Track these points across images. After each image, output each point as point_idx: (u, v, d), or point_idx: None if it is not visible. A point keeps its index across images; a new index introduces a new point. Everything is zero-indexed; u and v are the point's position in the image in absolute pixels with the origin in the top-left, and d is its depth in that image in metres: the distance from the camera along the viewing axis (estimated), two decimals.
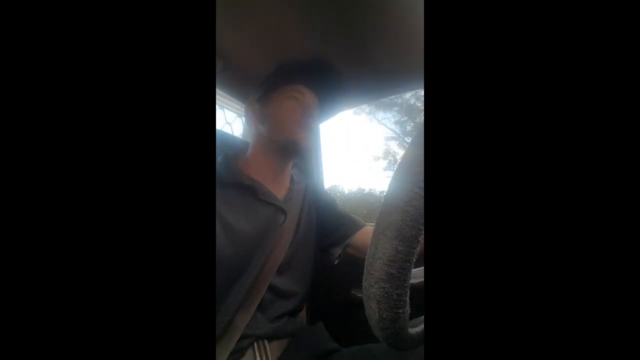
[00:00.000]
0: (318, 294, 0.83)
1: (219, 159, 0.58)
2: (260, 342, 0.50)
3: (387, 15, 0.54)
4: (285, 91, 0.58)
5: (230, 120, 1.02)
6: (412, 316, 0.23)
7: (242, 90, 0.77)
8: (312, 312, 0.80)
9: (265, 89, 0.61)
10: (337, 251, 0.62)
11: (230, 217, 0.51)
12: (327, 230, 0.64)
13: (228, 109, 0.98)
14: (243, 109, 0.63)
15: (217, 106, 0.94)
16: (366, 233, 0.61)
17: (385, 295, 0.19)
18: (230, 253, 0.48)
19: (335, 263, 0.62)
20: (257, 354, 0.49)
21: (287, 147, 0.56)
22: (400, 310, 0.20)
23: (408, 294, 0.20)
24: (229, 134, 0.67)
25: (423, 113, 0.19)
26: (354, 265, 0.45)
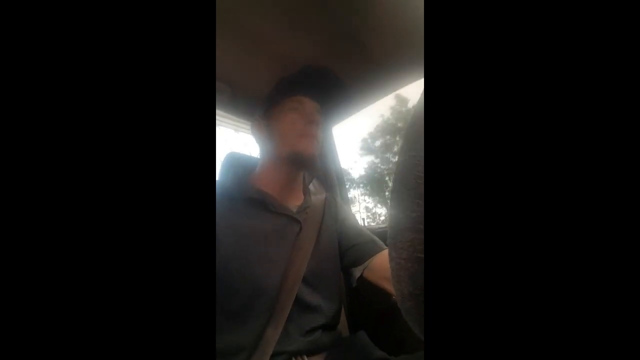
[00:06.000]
0: (357, 303, 0.79)
1: (229, 177, 0.60)
2: (299, 357, 0.48)
3: (381, 12, 0.52)
4: (285, 104, 0.59)
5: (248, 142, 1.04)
6: None
7: (250, 110, 0.79)
8: (353, 322, 0.76)
9: (268, 104, 0.62)
10: (356, 273, 0.58)
11: (244, 229, 0.52)
12: (345, 246, 0.62)
13: (244, 132, 1.01)
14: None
15: (232, 129, 0.97)
16: (386, 257, 0.57)
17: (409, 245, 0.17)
18: (247, 261, 0.49)
19: (354, 286, 0.59)
20: None
21: (293, 158, 0.57)
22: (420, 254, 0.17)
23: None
24: (241, 154, 0.67)
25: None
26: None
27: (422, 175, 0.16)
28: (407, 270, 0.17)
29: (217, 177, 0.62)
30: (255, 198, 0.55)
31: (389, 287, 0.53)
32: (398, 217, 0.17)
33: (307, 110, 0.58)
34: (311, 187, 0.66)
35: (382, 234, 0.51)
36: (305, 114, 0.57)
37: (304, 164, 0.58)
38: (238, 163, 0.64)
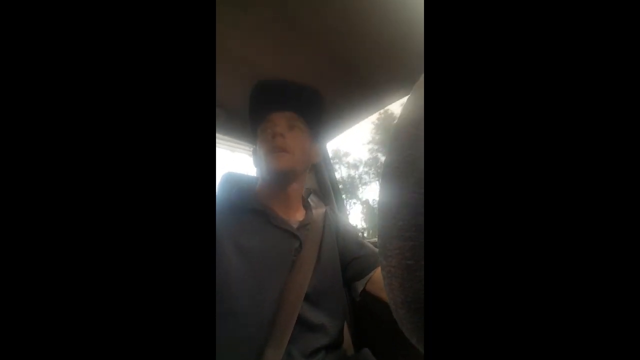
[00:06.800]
0: (360, 318, 0.77)
1: (232, 192, 0.60)
2: None
3: (373, 35, 0.54)
4: (260, 127, 0.60)
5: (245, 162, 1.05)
6: None
7: (245, 131, 0.79)
8: (357, 339, 0.74)
9: (253, 130, 0.64)
10: (359, 287, 0.58)
11: (244, 239, 0.52)
12: (346, 260, 0.61)
13: (240, 152, 1.02)
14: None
15: (228, 150, 0.98)
16: None
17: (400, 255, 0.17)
18: (245, 273, 0.48)
19: (358, 300, 0.59)
20: None
21: (271, 177, 0.57)
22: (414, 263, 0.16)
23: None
24: (239, 173, 0.69)
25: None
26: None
27: (407, 185, 0.16)
28: (397, 278, 0.17)
29: (217, 194, 0.63)
30: (257, 210, 0.56)
31: None
32: (386, 226, 0.17)
33: (275, 125, 0.58)
34: (310, 201, 0.67)
35: None
36: (274, 130, 0.57)
37: (280, 179, 0.58)
38: (241, 179, 0.65)
